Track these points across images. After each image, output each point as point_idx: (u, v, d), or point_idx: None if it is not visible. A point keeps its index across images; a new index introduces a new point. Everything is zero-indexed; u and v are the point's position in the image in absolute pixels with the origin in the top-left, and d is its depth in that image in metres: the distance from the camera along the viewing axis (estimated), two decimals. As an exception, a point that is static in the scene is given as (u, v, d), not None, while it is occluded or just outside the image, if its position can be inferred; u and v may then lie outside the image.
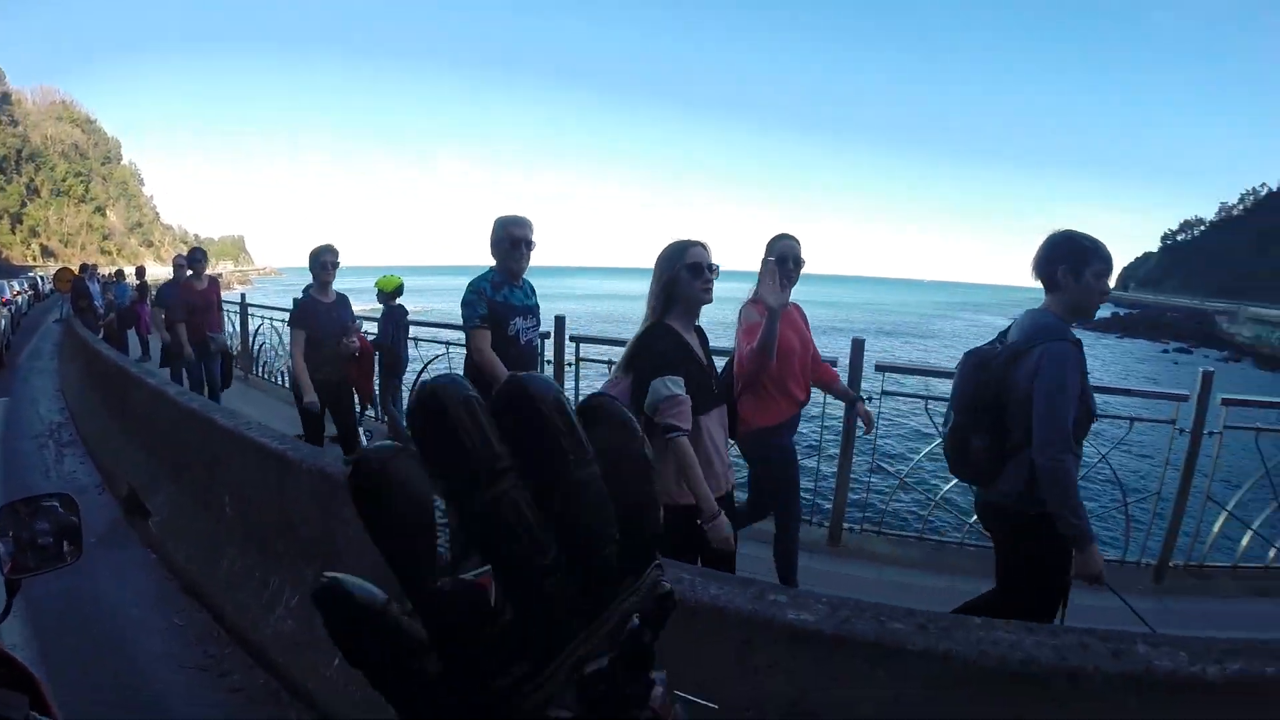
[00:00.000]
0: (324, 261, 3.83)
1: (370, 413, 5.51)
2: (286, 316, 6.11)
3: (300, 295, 3.85)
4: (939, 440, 3.59)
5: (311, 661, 2.03)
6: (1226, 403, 3.38)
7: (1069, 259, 1.97)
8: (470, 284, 2.93)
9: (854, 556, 3.48)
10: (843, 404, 3.35)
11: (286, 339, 6.11)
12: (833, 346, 3.86)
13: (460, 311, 2.90)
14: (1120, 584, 3.15)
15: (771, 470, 2.77)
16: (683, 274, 2.02)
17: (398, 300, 5.22)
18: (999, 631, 1.21)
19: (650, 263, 2.11)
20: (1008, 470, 1.99)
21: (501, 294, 2.92)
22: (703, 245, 2.08)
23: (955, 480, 3.63)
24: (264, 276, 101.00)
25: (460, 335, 5.46)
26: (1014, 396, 1.93)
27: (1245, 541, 3.59)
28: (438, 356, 5.42)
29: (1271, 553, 3.67)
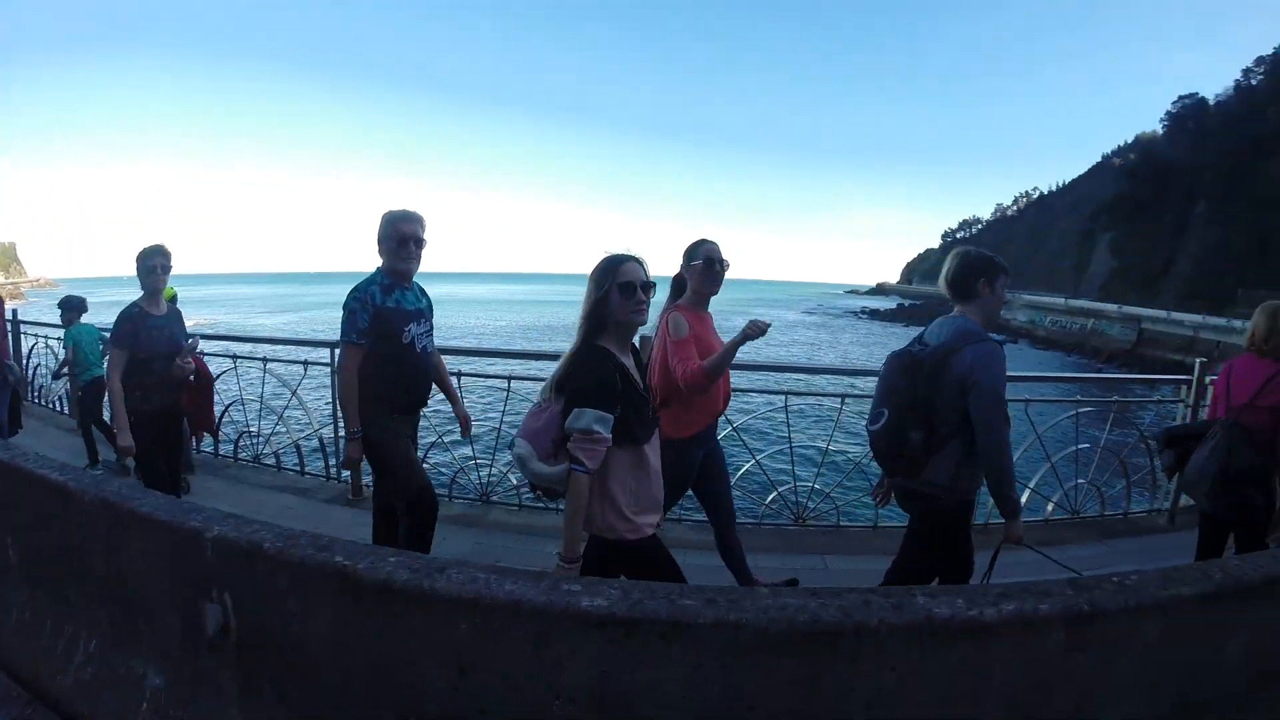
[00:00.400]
0: (152, 265, 3.20)
1: (208, 448, 5.11)
2: (61, 334, 5.49)
3: (130, 308, 3.22)
4: (726, 428, 3.86)
5: (118, 710, 1.82)
6: None
7: (986, 272, 2.25)
8: (355, 289, 2.65)
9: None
10: None
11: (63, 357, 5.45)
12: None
13: (341, 318, 2.64)
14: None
15: (685, 480, 2.78)
16: (614, 294, 1.87)
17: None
18: (785, 598, 1.22)
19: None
20: (934, 462, 2.21)
21: (393, 298, 2.66)
22: (638, 260, 1.91)
23: (746, 466, 4.02)
24: (38, 289, 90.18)
25: (248, 348, 5.13)
26: (945, 394, 2.15)
27: (1024, 498, 4.09)
28: (225, 371, 4.98)
29: (1049, 506, 4.26)
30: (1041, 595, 1.36)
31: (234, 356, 5.01)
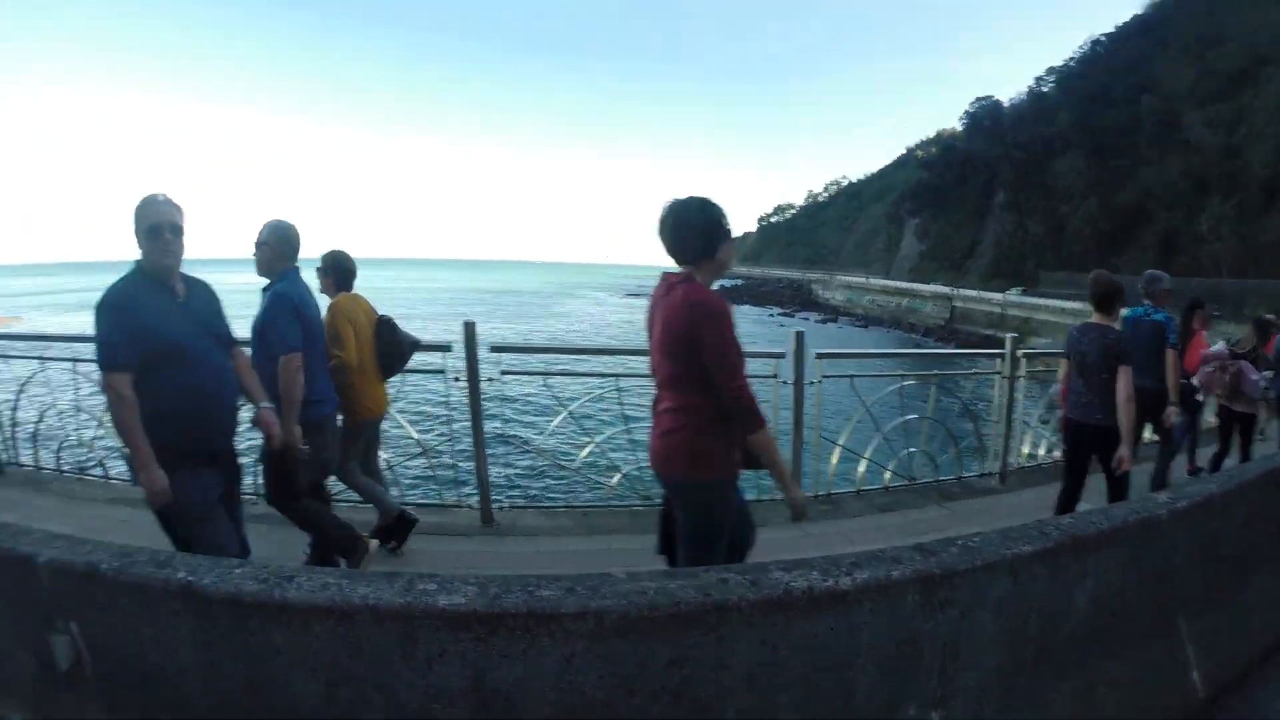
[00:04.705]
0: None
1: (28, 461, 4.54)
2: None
3: None
4: (564, 413, 3.99)
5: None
6: (820, 356, 4.00)
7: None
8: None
9: (509, 533, 3.56)
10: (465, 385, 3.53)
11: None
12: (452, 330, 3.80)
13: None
14: (766, 519, 3.46)
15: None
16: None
17: None
18: (644, 582, 1.24)
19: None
20: None
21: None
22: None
23: (586, 450, 4.05)
24: None
25: (57, 348, 4.41)
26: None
27: (862, 469, 4.35)
28: (32, 375, 4.47)
29: (886, 475, 4.48)
30: (892, 562, 1.44)
31: (41, 358, 4.42)
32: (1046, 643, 1.68)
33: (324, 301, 2.93)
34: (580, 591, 1.19)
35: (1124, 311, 3.63)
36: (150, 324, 2.02)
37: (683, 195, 1.97)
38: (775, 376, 3.83)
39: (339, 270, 3.06)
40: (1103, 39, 66.66)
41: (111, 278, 2.13)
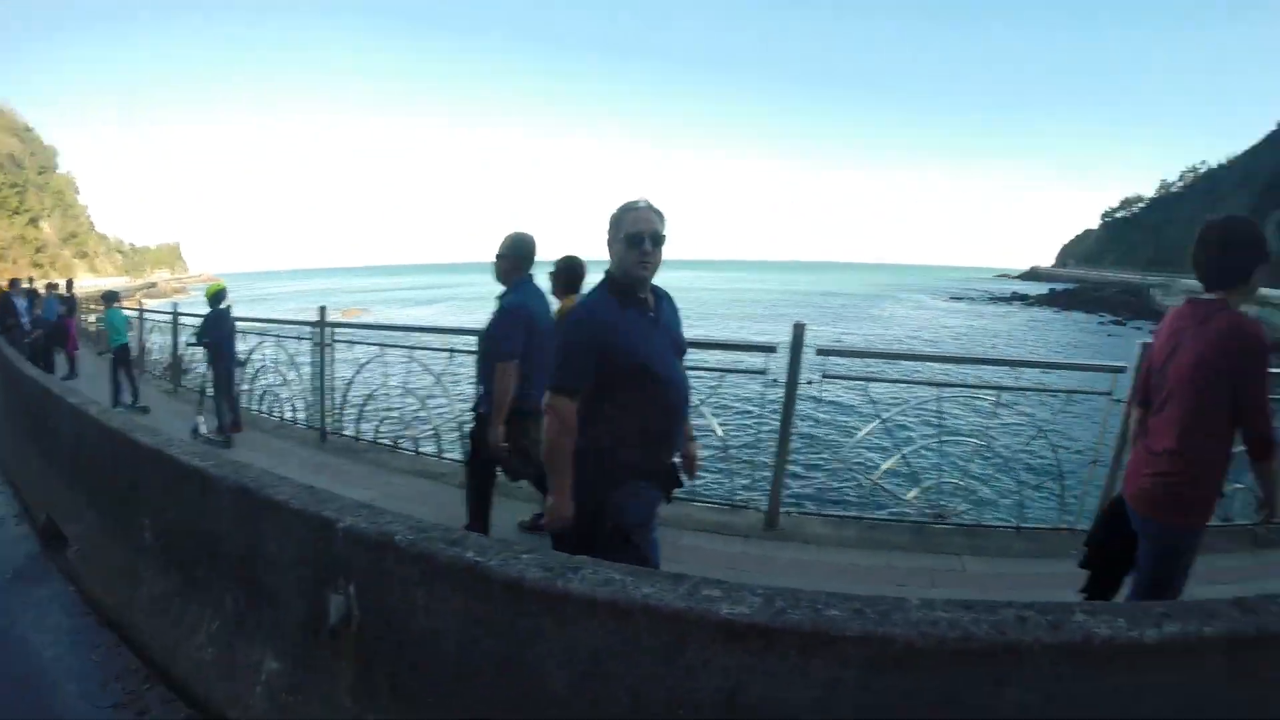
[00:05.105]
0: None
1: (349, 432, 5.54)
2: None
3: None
4: (877, 421, 3.63)
5: (234, 692, 1.91)
6: None
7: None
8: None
9: (791, 539, 3.49)
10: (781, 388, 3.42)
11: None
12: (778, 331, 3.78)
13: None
14: (1056, 548, 3.39)
15: None
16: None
17: (223, 304, 6.20)
18: (938, 611, 1.17)
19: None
20: None
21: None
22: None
23: (891, 460, 3.81)
24: (201, 283, 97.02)
25: (397, 336, 5.51)
26: None
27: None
28: (370, 360, 5.49)
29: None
30: (1206, 616, 1.26)
31: (380, 345, 5.39)
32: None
33: (554, 304, 3.12)
34: (869, 615, 1.15)
35: None
36: (623, 344, 1.86)
37: (1219, 216, 1.91)
38: (1109, 394, 3.54)
39: (570, 274, 3.24)
40: None
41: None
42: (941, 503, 3.85)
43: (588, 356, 1.83)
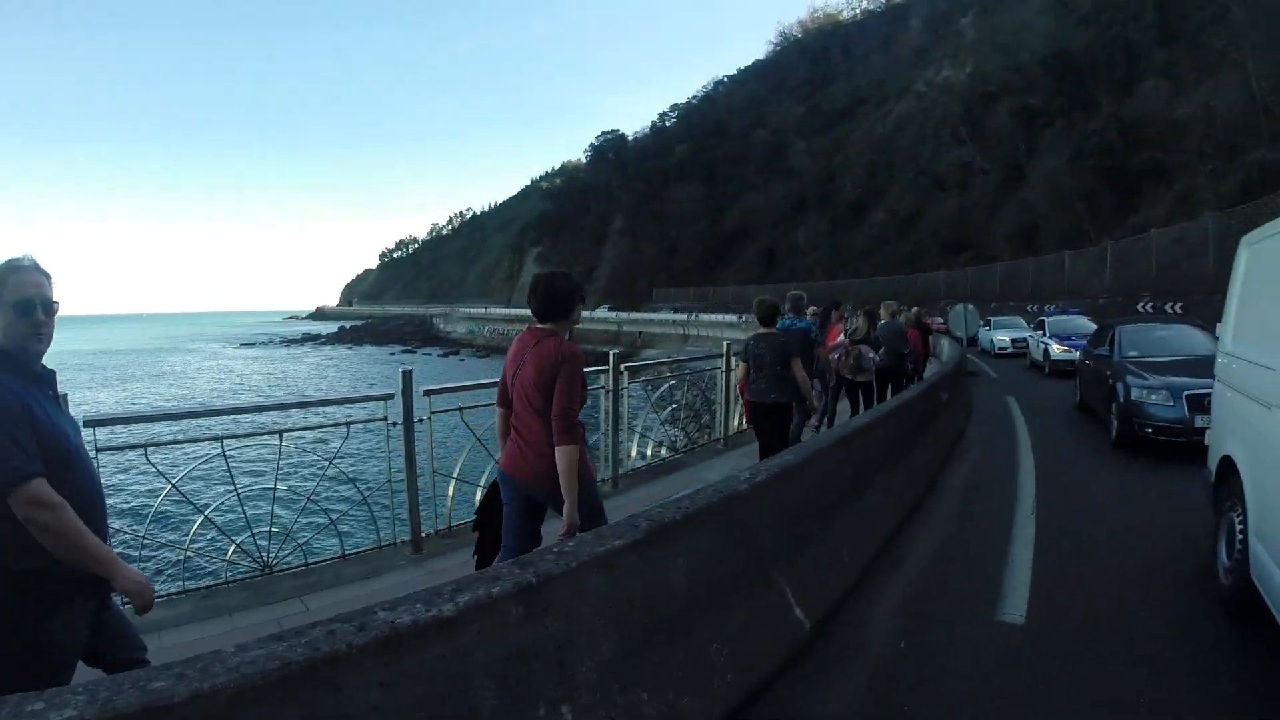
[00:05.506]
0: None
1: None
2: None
3: None
4: (168, 487, 3.51)
5: None
6: (428, 393, 4.06)
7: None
8: None
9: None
10: None
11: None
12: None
13: None
14: (385, 564, 3.80)
15: None
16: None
17: None
18: (253, 650, 1.18)
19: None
20: None
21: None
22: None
23: (196, 524, 3.68)
24: None
25: None
26: None
27: (479, 498, 4.41)
28: None
29: None
30: (492, 580, 1.55)
31: None
32: (653, 619, 1.87)
33: None
34: (191, 675, 1.10)
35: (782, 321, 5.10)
36: (47, 427, 1.58)
37: (545, 270, 2.71)
38: (385, 419, 3.85)
39: None
40: (725, 79, 77.42)
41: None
42: (266, 553, 3.79)
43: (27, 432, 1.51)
